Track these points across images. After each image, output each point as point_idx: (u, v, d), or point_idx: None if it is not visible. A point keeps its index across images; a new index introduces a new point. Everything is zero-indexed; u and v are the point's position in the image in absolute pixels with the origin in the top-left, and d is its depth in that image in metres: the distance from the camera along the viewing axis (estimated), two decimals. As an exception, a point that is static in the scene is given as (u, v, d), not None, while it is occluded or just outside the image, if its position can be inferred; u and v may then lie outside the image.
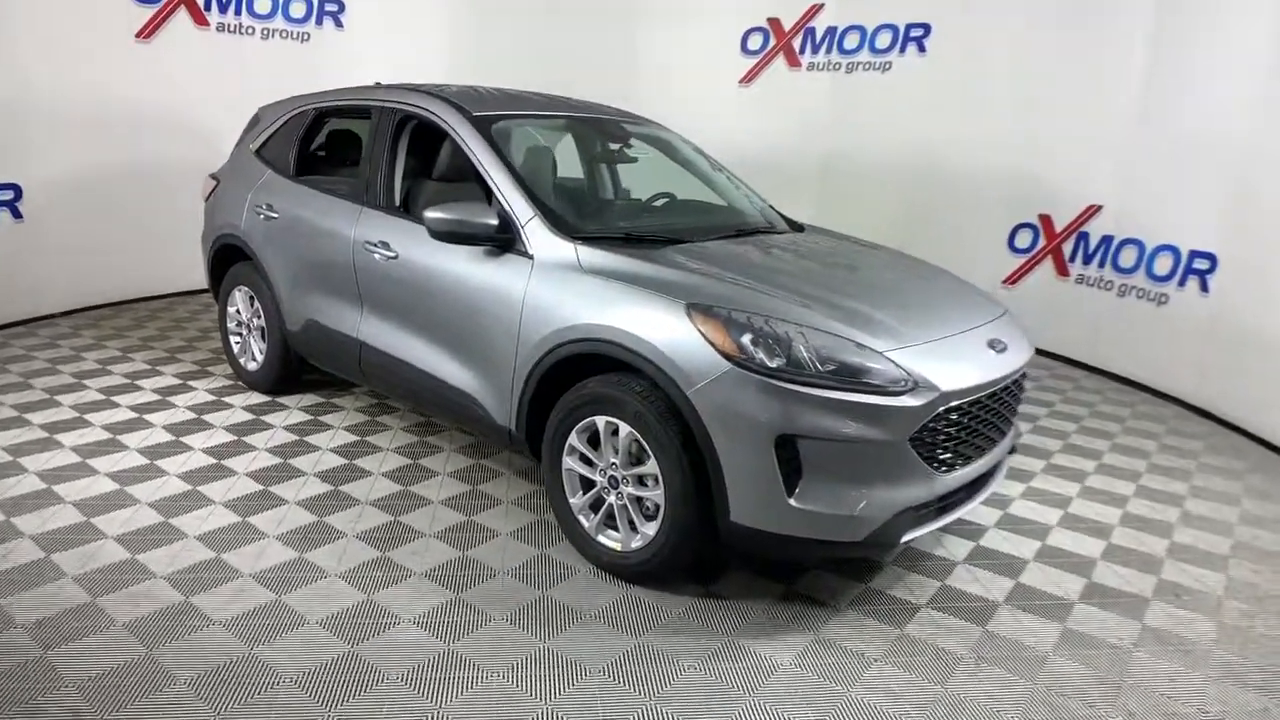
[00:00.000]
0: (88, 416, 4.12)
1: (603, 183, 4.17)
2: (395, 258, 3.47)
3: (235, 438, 3.97)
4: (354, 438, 4.02)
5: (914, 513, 2.59)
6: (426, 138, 3.67)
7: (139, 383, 4.64)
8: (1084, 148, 5.90)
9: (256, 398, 4.50)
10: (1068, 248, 6.12)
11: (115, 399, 4.38)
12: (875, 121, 7.13)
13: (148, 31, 6.14)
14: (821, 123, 7.47)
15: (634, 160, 4.15)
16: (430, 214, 3.02)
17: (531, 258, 3.01)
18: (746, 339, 2.50)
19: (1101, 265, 5.89)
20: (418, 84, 3.86)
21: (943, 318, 2.87)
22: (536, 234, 3.02)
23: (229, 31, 6.58)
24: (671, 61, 7.88)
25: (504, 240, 3.07)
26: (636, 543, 2.81)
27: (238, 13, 6.60)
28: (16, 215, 5.57)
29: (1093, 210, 5.92)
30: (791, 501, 2.47)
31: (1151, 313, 5.50)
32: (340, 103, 4.09)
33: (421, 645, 2.52)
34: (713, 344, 2.51)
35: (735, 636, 2.63)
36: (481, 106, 3.50)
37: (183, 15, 6.30)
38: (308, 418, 4.25)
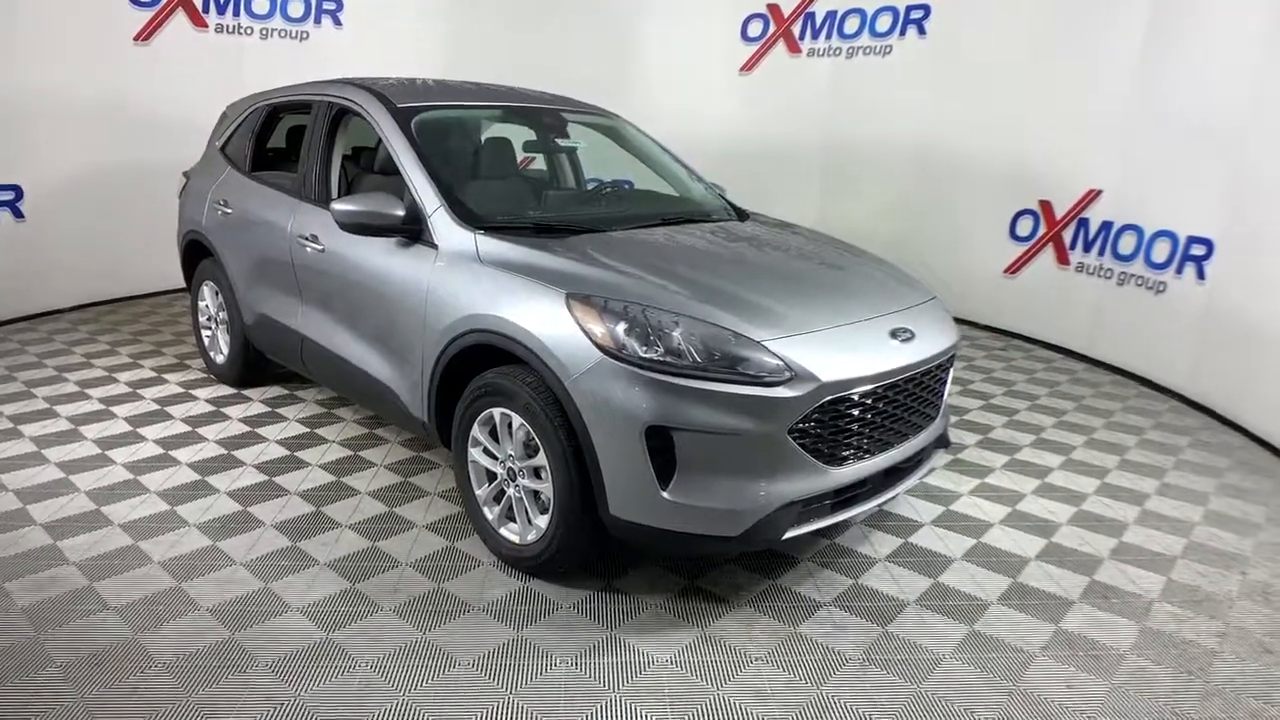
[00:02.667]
0: (57, 408, 4.26)
1: (536, 172, 4.12)
2: (323, 250, 3.50)
3: (190, 429, 4.06)
4: (304, 429, 4.08)
5: (801, 507, 2.50)
6: (361, 131, 3.68)
7: (116, 375, 4.78)
8: (1084, 130, 5.66)
9: (223, 390, 4.60)
10: (1068, 235, 5.86)
11: (89, 391, 4.52)
12: (876, 107, 6.96)
13: (146, 34, 6.32)
14: (822, 109, 7.31)
15: (572, 149, 4.11)
16: (336, 205, 3.03)
17: (437, 248, 3.00)
18: (620, 328, 2.44)
19: (1101, 253, 5.62)
20: (356, 77, 3.88)
21: (843, 305, 2.76)
22: (441, 224, 3.01)
23: (228, 32, 6.73)
24: (671, 50, 7.80)
25: (413, 231, 3.07)
26: (532, 535, 2.78)
27: (236, 13, 6.74)
28: (18, 215, 5.79)
29: (1093, 195, 5.66)
30: (665, 494, 2.41)
31: (1150, 302, 5.23)
32: (289, 98, 4.14)
33: (302, 634, 2.53)
34: (588, 334, 2.46)
35: (620, 631, 2.58)
36: (407, 98, 3.49)
37: (181, 17, 6.47)
38: (265, 410, 4.32)
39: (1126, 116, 5.34)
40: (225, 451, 3.81)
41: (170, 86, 6.44)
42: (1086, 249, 5.73)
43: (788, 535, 2.51)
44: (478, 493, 2.96)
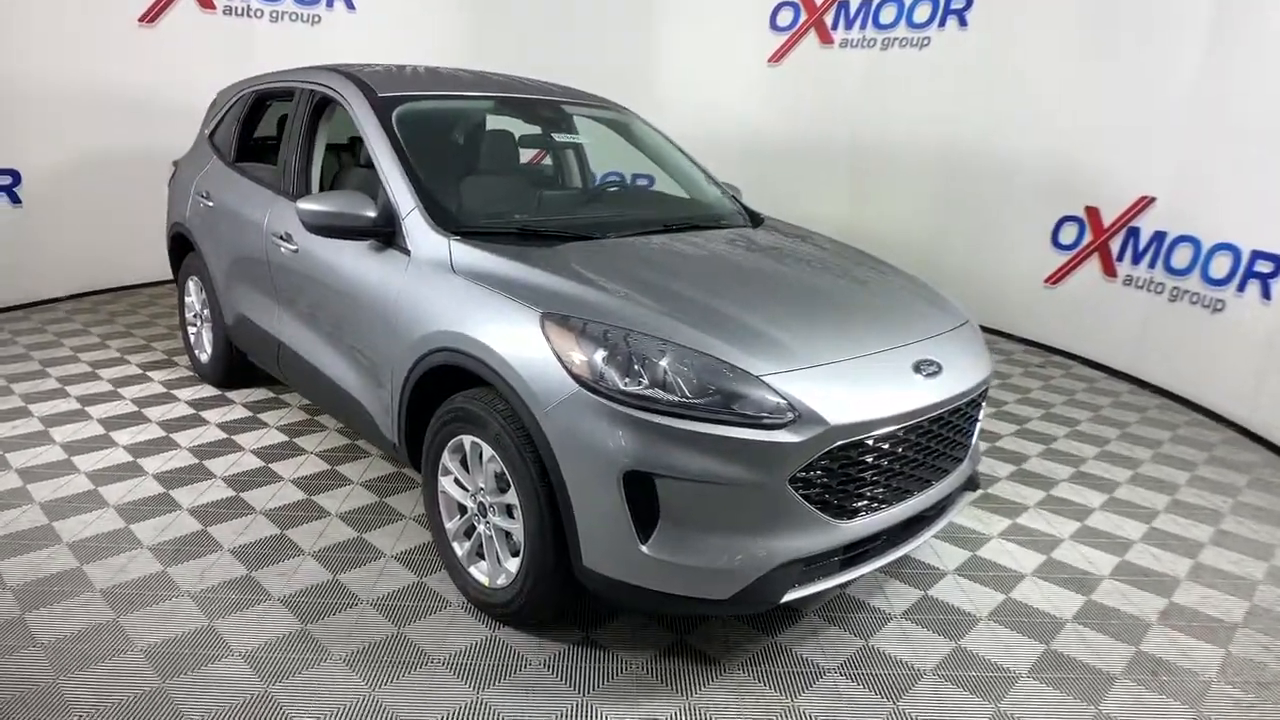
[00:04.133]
0: (32, 407, 4.06)
1: (538, 170, 3.80)
2: (297, 251, 3.23)
3: (164, 434, 3.82)
4: (283, 438, 3.83)
5: (802, 567, 2.18)
6: (346, 121, 3.41)
7: (100, 371, 4.58)
8: (1138, 132, 5.21)
9: (206, 391, 4.37)
10: (1116, 244, 5.43)
11: (69, 388, 4.31)
12: (911, 103, 6.55)
13: (151, 15, 6.11)
14: (854, 104, 6.92)
15: (578, 144, 3.79)
16: (302, 205, 2.74)
17: (409, 253, 2.71)
18: (599, 356, 2.13)
19: (1152, 265, 5.19)
20: (344, 63, 3.59)
21: (860, 333, 2.42)
22: (415, 227, 2.71)
23: (236, 14, 6.51)
24: (696, 39, 7.45)
25: (386, 234, 2.78)
26: (502, 579, 2.49)
27: (245, -5, 6.51)
28: (15, 200, 5.62)
29: (1145, 202, 5.23)
30: (644, 549, 2.10)
31: (1205, 321, 4.80)
32: (274, 85, 3.87)
33: (238, 684, 2.26)
34: (563, 361, 2.16)
35: (592, 697, 2.28)
36: (391, 87, 3.20)
37: (188, -2, 6.25)
38: (246, 414, 4.08)
39: (1186, 117, 4.90)
40: (196, 461, 3.57)
41: (177, 70, 6.21)
42: (1136, 260, 5.30)
43: (788, 598, 2.19)
44: (447, 526, 2.68)
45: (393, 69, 3.51)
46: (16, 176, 5.60)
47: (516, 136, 3.62)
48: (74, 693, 2.20)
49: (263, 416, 4.06)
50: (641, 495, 2.08)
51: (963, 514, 3.39)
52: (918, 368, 2.34)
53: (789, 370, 2.14)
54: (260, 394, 4.33)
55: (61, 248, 5.92)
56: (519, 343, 2.26)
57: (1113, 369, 5.48)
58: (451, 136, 3.34)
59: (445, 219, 2.72)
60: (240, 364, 4.21)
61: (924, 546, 3.11)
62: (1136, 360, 5.32)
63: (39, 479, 3.35)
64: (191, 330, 4.50)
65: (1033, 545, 3.20)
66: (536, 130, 3.72)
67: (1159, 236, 5.14)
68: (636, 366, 2.11)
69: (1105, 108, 5.35)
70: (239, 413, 4.10)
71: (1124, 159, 5.32)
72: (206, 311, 4.28)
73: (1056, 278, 5.83)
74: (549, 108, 3.65)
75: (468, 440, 2.49)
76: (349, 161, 3.74)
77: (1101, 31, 5.33)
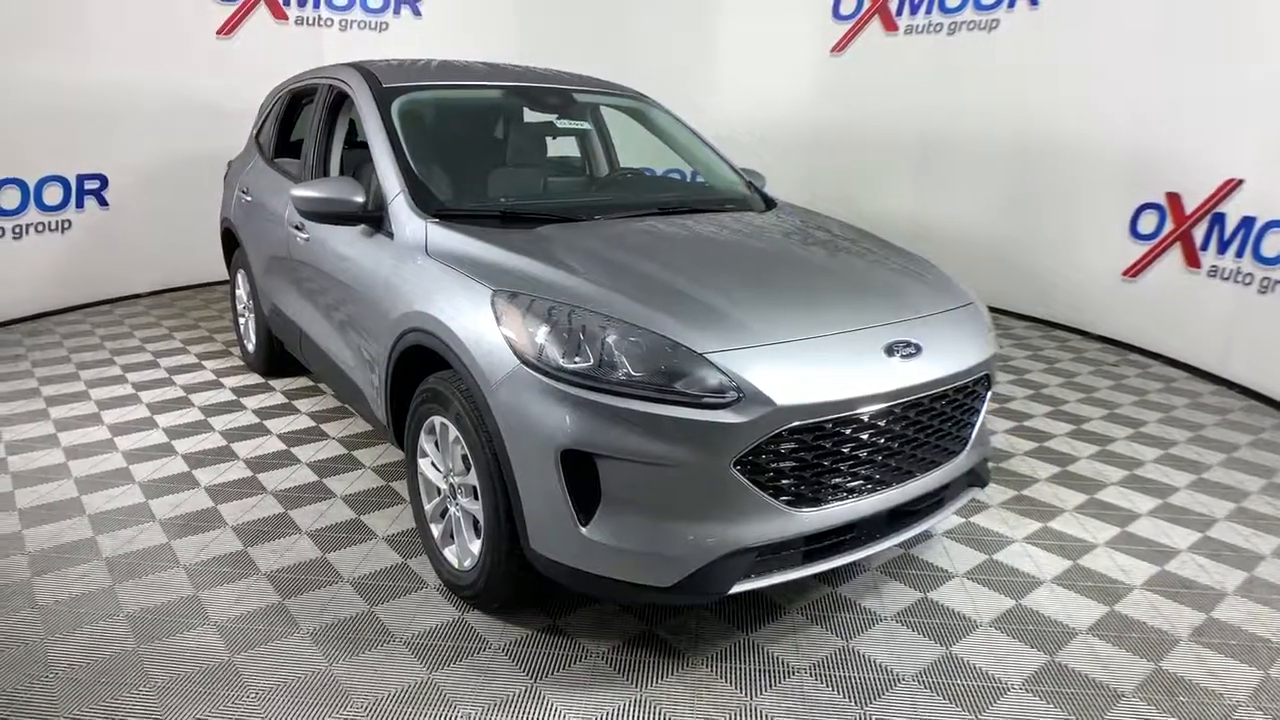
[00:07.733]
0: (92, 391, 4.33)
1: (542, 156, 3.76)
2: (308, 240, 3.32)
3: (202, 418, 4.00)
4: (310, 424, 3.95)
5: (755, 556, 2.06)
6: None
7: (160, 360, 4.84)
8: (1223, 109, 4.78)
9: (252, 379, 4.55)
10: (1199, 232, 4.99)
11: (129, 374, 4.58)
12: (979, 89, 6.22)
13: (228, 28, 6.46)
14: (920, 93, 6.62)
15: (594, 131, 3.76)
16: (295, 191, 2.81)
17: (393, 237, 2.74)
18: (542, 333, 2.08)
19: (1240, 254, 4.74)
20: (362, 60, 3.67)
21: (830, 311, 2.27)
22: (400, 212, 2.74)
23: (307, 24, 6.81)
24: (757, 32, 7.31)
25: (375, 219, 2.82)
26: (468, 562, 2.47)
27: (315, 5, 6.80)
28: (103, 203, 6.03)
29: (1231, 185, 4.78)
30: (584, 532, 2.03)
31: (1297, 314, 4.34)
32: (304, 83, 4.00)
33: (206, 653, 2.32)
34: (507, 337, 2.12)
35: (545, 684, 2.22)
36: (397, 78, 3.25)
37: (262, 11, 6.57)
38: (282, 401, 4.23)
39: (1276, 92, 4.45)
40: (224, 444, 3.72)
41: (252, 78, 6.52)
42: (1221, 249, 4.85)
43: (739, 589, 2.07)
44: (425, 507, 2.68)
45: (407, 62, 3.57)
46: (104, 181, 6.01)
47: (525, 124, 3.61)
48: (56, 653, 2.31)
49: (297, 403, 4.20)
50: (583, 476, 2.02)
51: (987, 515, 3.16)
52: (891, 349, 2.18)
53: (737, 349, 2.03)
54: (300, 382, 4.48)
55: (145, 247, 6.31)
56: (472, 320, 2.23)
57: (1196, 368, 5.03)
58: (451, 125, 3.36)
59: (429, 203, 2.73)
60: (281, 352, 4.37)
61: (934, 547, 2.92)
62: (1222, 358, 4.87)
63: (80, 456, 3.56)
64: (241, 321, 4.71)
65: (1060, 550, 2.94)
66: (545, 118, 3.71)
67: (1247, 222, 4.69)
68: (580, 343, 2.04)
69: (1187, 86, 4.93)
70: (276, 399, 4.26)
71: (1207, 140, 4.88)
72: (251, 302, 4.47)
73: (1135, 270, 5.41)
74: (560, 95, 3.63)
75: (438, 421, 2.49)
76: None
77: (1182, 3, 4.91)
